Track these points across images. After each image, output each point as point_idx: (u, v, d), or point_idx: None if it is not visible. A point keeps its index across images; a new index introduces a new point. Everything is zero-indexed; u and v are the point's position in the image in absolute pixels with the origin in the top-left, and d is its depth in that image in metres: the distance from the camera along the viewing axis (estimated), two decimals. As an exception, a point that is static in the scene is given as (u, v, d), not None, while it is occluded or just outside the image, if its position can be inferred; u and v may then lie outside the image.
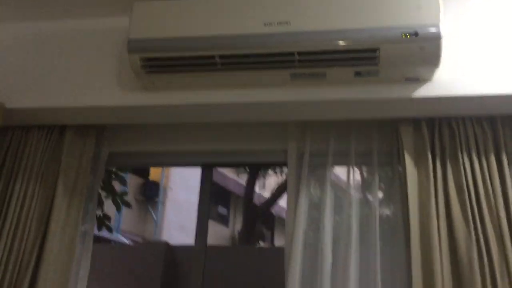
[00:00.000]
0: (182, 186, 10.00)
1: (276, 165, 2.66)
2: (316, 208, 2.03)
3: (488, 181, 1.77)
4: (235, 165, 5.52)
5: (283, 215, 10.54)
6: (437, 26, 1.63)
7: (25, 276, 1.90)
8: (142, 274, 4.53)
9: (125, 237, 8.31)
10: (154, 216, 9.74)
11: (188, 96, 1.90)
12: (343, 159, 2.03)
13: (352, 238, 1.90)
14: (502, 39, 1.77)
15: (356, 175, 2.05)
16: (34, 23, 2.13)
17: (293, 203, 2.00)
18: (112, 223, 4.69)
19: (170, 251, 4.69)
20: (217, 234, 10.51)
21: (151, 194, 9.73)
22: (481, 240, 1.70)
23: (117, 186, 4.55)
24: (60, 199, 2.02)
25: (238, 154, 2.20)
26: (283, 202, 7.31)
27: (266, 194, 8.60)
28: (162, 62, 1.81)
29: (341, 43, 1.69)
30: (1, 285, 1.89)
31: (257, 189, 7.63)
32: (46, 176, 2.07)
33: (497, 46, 1.77)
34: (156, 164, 2.60)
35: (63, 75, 2.03)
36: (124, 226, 8.88)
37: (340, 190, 2.06)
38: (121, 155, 2.25)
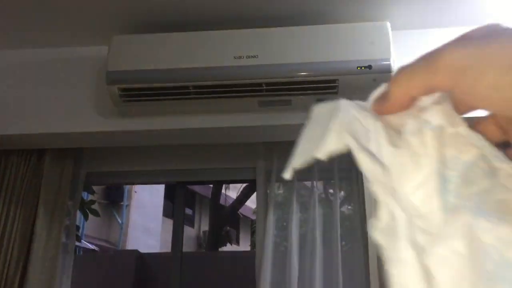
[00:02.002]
0: (147, 189, 10.01)
1: (246, 182, 2.85)
2: (284, 219, 2.22)
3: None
4: (208, 182, 5.70)
5: (248, 214, 10.73)
6: (388, 60, 1.84)
7: (10, 295, 2.00)
8: (113, 282, 4.60)
9: (89, 242, 8.26)
10: (119, 220, 9.70)
11: (163, 121, 2.03)
12: (307, 175, 2.23)
13: (316, 243, 2.10)
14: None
15: (319, 188, 2.25)
16: (14, 52, 2.20)
17: (262, 217, 2.18)
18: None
19: (141, 258, 4.78)
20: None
21: (115, 197, 9.67)
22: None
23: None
24: (41, 219, 2.13)
25: (210, 172, 2.36)
26: (248, 201, 7.46)
27: (231, 193, 8.74)
28: (139, 92, 1.94)
29: (304, 74, 1.87)
30: (-13, 305, 1.98)
31: (222, 188, 7.75)
32: (27, 198, 2.17)
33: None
34: (131, 182, 2.71)
35: (42, 102, 2.11)
36: (88, 231, 8.82)
37: (305, 201, 2.26)
38: (98, 175, 2.37)
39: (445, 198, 0.28)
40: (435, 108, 0.30)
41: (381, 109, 0.32)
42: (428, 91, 0.30)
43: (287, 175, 0.29)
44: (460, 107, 0.31)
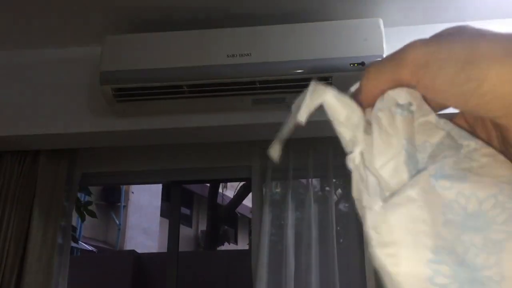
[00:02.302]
0: (144, 189, 10.00)
1: (241, 180, 2.87)
2: (280, 217, 2.22)
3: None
4: (203, 182, 5.72)
5: (245, 213, 10.74)
6: (381, 56, 1.84)
7: (6, 297, 2.00)
8: (111, 283, 4.60)
9: (87, 244, 8.24)
10: (117, 221, 9.69)
11: (157, 121, 2.03)
12: (302, 173, 2.23)
13: (312, 241, 2.11)
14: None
15: (315, 186, 2.26)
16: (7, 53, 2.19)
17: (258, 215, 2.18)
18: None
19: (138, 259, 4.77)
20: (181, 234, 10.56)
21: (112, 198, 9.66)
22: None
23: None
24: (36, 220, 2.12)
25: (205, 171, 2.36)
26: (245, 200, 7.45)
27: (229, 192, 8.72)
28: (133, 91, 1.93)
29: (298, 72, 1.87)
30: (-17, 307, 1.98)
31: (219, 188, 7.73)
32: (22, 199, 2.16)
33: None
34: (127, 183, 2.71)
35: (35, 103, 2.11)
36: (86, 233, 8.80)
37: (302, 198, 2.26)
38: (93, 176, 2.36)
39: (411, 170, 0.29)
40: (403, 89, 0.31)
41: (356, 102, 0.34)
42: (396, 86, 0.31)
43: (274, 153, 0.30)
44: (429, 104, 0.32)
